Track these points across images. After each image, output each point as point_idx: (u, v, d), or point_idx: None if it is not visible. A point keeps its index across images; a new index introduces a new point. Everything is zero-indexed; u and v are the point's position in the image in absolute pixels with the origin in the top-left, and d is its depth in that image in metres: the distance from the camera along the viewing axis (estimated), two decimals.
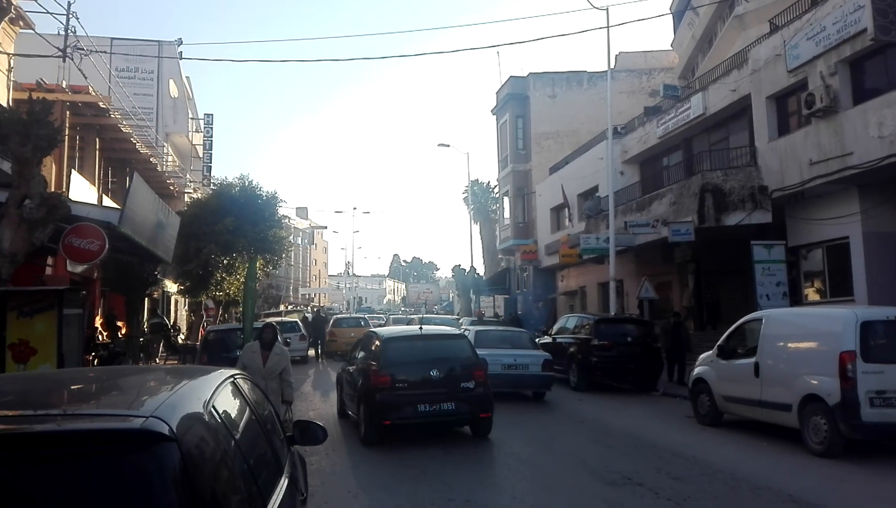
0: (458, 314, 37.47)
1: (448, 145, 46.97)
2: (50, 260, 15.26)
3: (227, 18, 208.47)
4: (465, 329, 16.42)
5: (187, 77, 39.61)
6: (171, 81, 35.45)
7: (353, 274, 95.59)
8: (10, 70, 16.95)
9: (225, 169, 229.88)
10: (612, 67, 23.77)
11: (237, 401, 3.22)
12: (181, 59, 28.29)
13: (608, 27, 21.89)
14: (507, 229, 40.53)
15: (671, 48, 37.80)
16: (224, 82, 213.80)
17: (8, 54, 16.77)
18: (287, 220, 42.13)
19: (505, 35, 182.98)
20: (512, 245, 39.13)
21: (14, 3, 16.25)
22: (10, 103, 15.97)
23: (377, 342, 10.82)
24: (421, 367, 10.19)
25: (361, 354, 11.49)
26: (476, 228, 49.02)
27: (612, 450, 9.88)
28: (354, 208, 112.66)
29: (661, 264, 24.32)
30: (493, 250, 46.98)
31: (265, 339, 8.59)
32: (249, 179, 27.49)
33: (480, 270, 47.54)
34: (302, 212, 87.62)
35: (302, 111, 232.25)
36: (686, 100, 23.31)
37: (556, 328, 20.20)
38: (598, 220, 25.85)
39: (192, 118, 40.18)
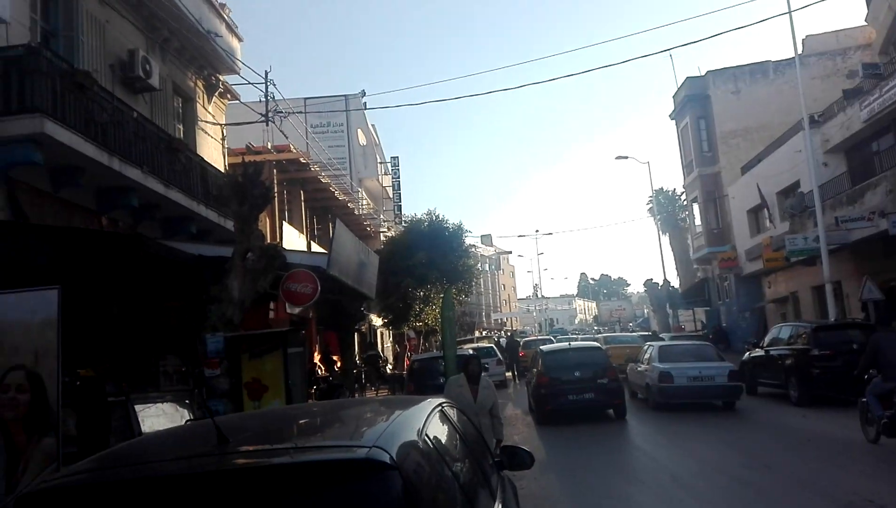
0: (652, 331, 36.01)
1: (626, 157, 45.62)
2: (272, 305, 16.91)
3: (402, 64, 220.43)
4: (649, 345, 18.33)
5: (373, 125, 42.36)
6: (359, 131, 38.08)
7: (542, 296, 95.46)
8: (223, 139, 19.21)
9: (414, 206, 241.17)
10: (799, 52, 21.94)
11: (446, 428, 3.38)
12: (366, 109, 30.38)
13: (790, 11, 20.32)
14: (699, 236, 38.48)
15: (866, 23, 34.12)
16: (406, 124, 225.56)
17: (221, 125, 19.03)
18: (473, 248, 43.28)
19: (676, 37, 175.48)
20: (707, 254, 37.06)
21: (222, 79, 18.44)
22: (227, 168, 18.08)
23: (540, 355, 16.34)
24: (569, 369, 14.75)
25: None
26: (665, 239, 47.01)
27: (846, 471, 8.93)
28: (537, 231, 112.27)
29: (883, 260, 21.74)
30: (687, 260, 44.73)
31: (471, 372, 7.85)
32: (436, 214, 28.74)
33: (675, 282, 45.41)
34: (487, 239, 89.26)
35: (476, 141, 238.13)
36: (891, 77, 20.85)
37: (767, 339, 18.70)
38: (804, 218, 23.76)
39: (381, 162, 42.80)
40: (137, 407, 8.77)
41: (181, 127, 16.44)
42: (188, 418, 9.14)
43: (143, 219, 12.92)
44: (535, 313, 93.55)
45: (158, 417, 9.02)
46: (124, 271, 9.92)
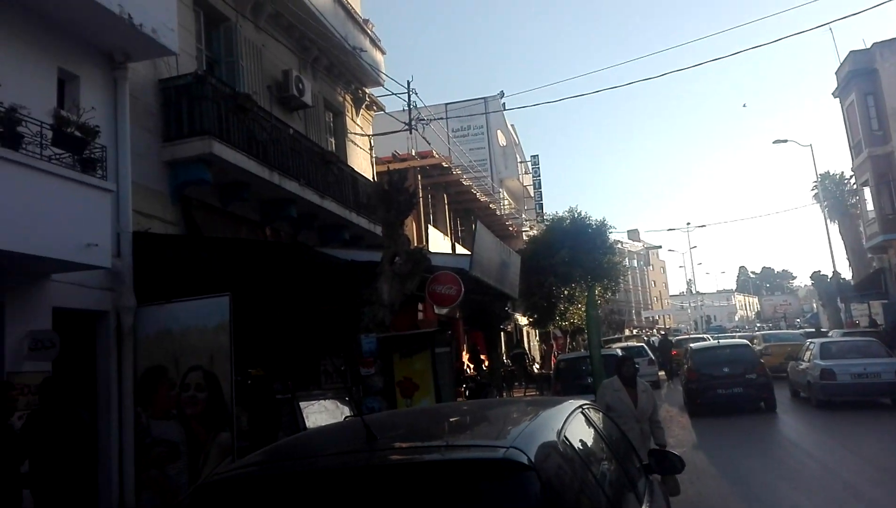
0: (816, 328, 33.19)
1: (785, 141, 42.46)
2: (420, 306, 17.45)
3: (538, 62, 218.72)
4: (811, 342, 17.93)
5: (512, 125, 42.47)
6: (499, 132, 38.34)
7: (696, 292, 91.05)
8: (371, 148, 20.07)
9: (555, 204, 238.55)
10: None
11: (589, 430, 3.37)
12: (504, 110, 30.54)
13: None
14: (872, 223, 35.08)
15: None
16: (545, 122, 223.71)
17: (368, 136, 19.90)
18: (619, 245, 42.13)
19: (834, 10, 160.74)
20: (882, 241, 33.70)
21: (368, 91, 19.27)
22: (374, 177, 18.89)
23: (689, 352, 18.09)
24: (717, 365, 15.79)
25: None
26: (833, 226, 43.24)
27: None
28: (688, 224, 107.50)
29: None
30: (860, 249, 40.90)
31: (625, 374, 7.21)
32: (578, 211, 28.30)
33: (846, 274, 41.71)
34: (633, 234, 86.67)
35: (617, 135, 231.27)
36: None
37: None
38: None
39: (521, 161, 42.82)
40: (302, 404, 9.42)
41: (333, 140, 17.37)
42: (347, 414, 9.68)
43: (301, 228, 13.82)
44: (689, 311, 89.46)
45: (321, 413, 9.63)
46: (287, 277, 10.67)
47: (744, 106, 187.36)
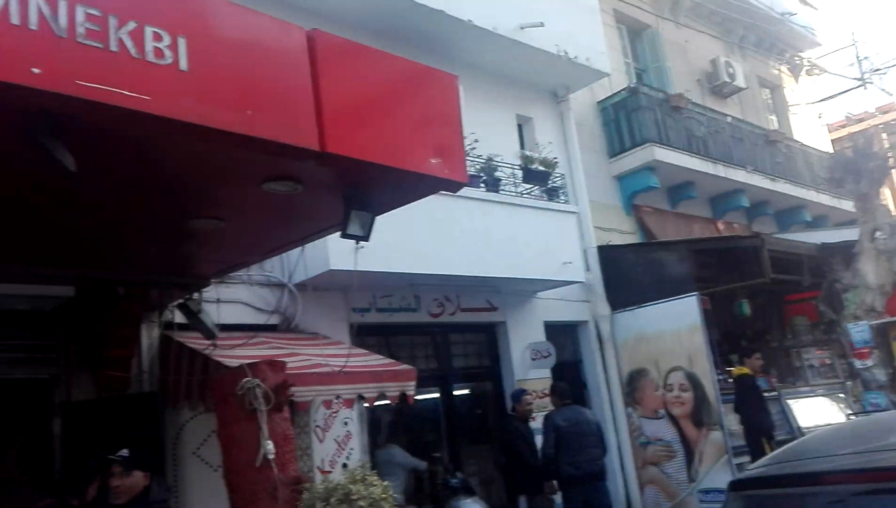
0: None
1: None
2: None
3: None
4: None
5: None
6: None
7: None
8: (819, 116, 18.00)
9: None
10: None
11: None
12: None
13: None
14: None
15: None
16: None
17: (814, 103, 17.89)
18: None
19: None
20: None
21: (804, 56, 17.40)
22: (832, 147, 16.89)
23: None
24: None
25: None
26: None
27: None
28: None
29: None
30: None
31: None
32: None
33: None
34: None
35: None
36: None
37: None
38: None
39: None
40: (789, 401, 8.86)
41: (774, 118, 16.17)
42: (849, 412, 8.77)
43: (755, 216, 13.17)
44: None
45: (813, 410, 8.93)
46: (748, 270, 10.23)
47: None
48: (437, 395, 8.20)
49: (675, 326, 8.48)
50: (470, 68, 8.48)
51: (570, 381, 8.25)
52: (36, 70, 2.24)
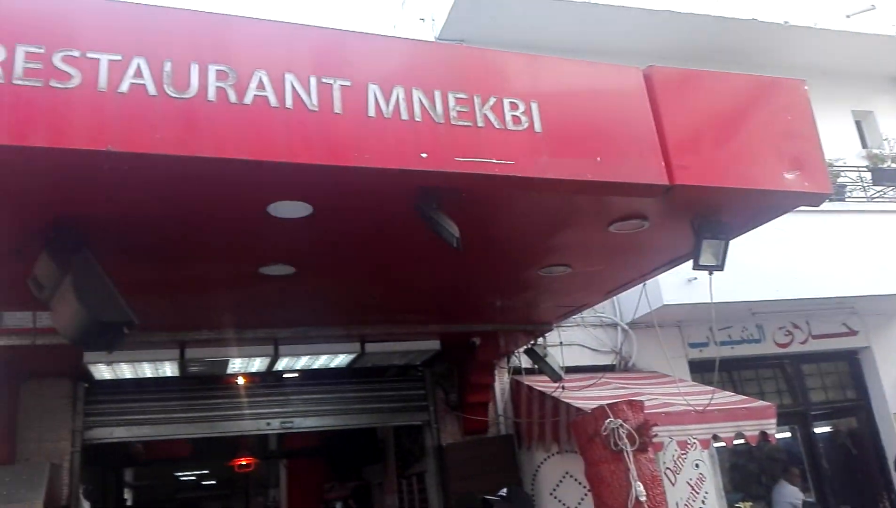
0: None
1: None
2: None
3: None
4: None
5: None
6: None
7: None
8: None
9: None
10: None
11: None
12: None
13: None
14: None
15: None
16: None
17: None
18: None
19: None
20: None
21: None
22: None
23: None
24: None
25: None
26: None
27: None
28: None
29: None
30: None
31: None
32: None
33: None
34: None
35: None
36: None
37: None
38: None
39: None
40: None
41: None
42: None
43: None
44: None
45: None
46: None
47: None
48: (788, 434, 7.47)
49: None
50: (789, 70, 7.72)
51: None
52: (424, 155, 2.57)
